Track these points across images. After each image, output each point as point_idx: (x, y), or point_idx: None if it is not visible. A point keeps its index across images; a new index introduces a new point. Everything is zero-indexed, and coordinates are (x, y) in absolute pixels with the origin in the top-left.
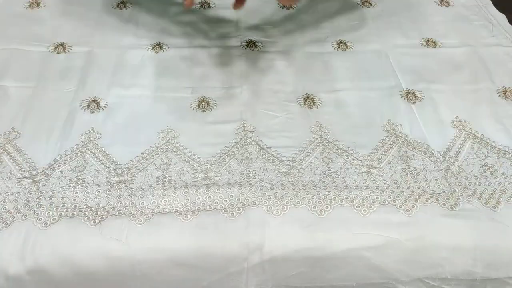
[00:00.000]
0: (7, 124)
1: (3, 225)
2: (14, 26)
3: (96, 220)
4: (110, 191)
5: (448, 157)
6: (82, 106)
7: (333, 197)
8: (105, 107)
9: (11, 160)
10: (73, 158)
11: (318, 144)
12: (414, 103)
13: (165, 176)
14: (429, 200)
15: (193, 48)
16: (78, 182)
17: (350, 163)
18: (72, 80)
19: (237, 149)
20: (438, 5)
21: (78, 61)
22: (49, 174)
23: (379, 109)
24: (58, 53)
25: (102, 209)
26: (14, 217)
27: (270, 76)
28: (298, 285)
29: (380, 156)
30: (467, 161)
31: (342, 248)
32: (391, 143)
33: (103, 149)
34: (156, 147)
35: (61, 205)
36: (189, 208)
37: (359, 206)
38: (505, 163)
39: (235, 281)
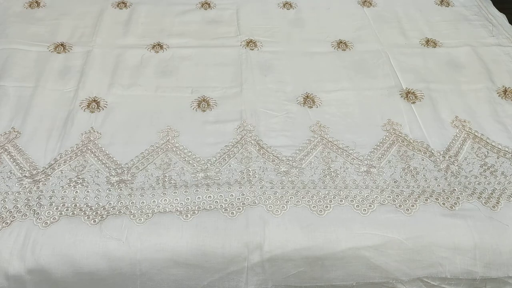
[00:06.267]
0: (7, 124)
1: (4, 224)
2: (14, 26)
3: (96, 220)
4: (110, 190)
5: (448, 157)
6: (82, 106)
7: (332, 196)
8: (105, 106)
9: (11, 160)
10: (73, 158)
11: (318, 144)
12: (414, 102)
13: (165, 176)
14: (428, 200)
15: (193, 48)
16: (78, 182)
17: (350, 163)
18: (72, 80)
19: (237, 149)
20: (438, 5)
21: (78, 61)
22: (49, 173)
23: (379, 108)
24: (58, 53)
25: (102, 209)
26: (15, 216)
27: (270, 75)
28: (298, 285)
29: (380, 156)
30: (467, 160)
31: (342, 247)
32: (390, 142)
33: (103, 148)
34: (156, 146)
35: (61, 205)
36: (189, 207)
37: (358, 206)
38: (505, 162)
39: (235, 280)
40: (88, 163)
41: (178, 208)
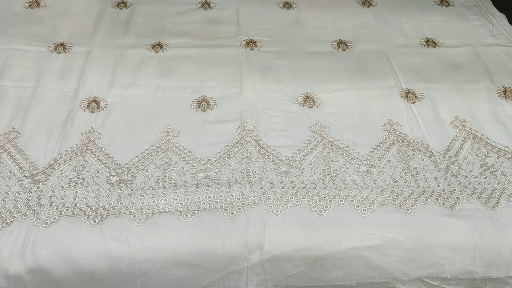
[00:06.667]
0: (7, 124)
1: (4, 224)
2: (14, 26)
3: (96, 220)
4: (110, 190)
5: (448, 157)
6: (82, 106)
7: (332, 196)
8: (105, 106)
9: (11, 160)
10: (73, 158)
11: (318, 144)
12: (414, 102)
13: (165, 176)
14: (428, 200)
15: (193, 48)
16: (78, 182)
17: (350, 163)
18: (72, 80)
19: (237, 149)
20: (438, 5)
21: (78, 61)
22: (49, 173)
23: (379, 108)
24: (58, 53)
25: (102, 209)
26: (15, 216)
27: (270, 75)
28: (298, 285)
29: (379, 156)
30: (467, 160)
31: (342, 247)
32: (390, 142)
33: (103, 148)
34: (156, 146)
35: (61, 205)
36: (189, 207)
37: (358, 206)
38: (505, 162)
39: (235, 280)
40: (88, 163)
41: (178, 208)
